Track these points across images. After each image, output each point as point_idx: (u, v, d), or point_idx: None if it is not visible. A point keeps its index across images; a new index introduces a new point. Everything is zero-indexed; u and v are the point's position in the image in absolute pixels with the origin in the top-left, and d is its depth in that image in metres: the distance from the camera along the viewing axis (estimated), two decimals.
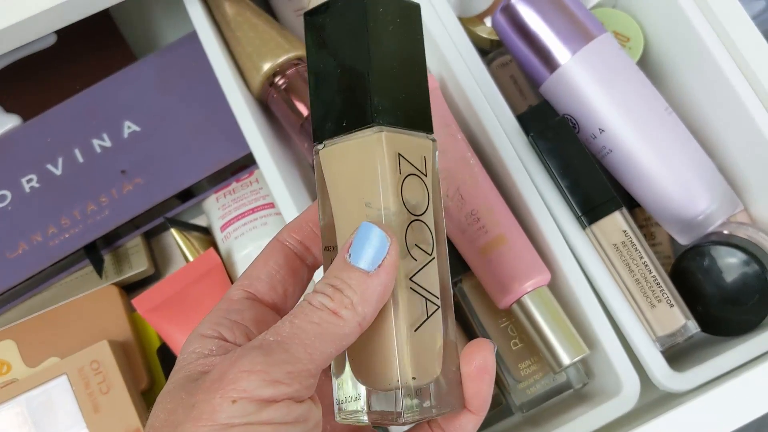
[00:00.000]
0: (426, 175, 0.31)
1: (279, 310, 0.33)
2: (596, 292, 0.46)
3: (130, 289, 0.56)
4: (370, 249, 0.28)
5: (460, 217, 0.46)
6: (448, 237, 0.44)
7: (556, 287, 0.47)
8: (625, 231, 0.46)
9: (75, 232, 0.53)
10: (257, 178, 0.55)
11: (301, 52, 0.52)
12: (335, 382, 0.31)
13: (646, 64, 0.53)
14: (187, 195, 0.55)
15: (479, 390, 0.31)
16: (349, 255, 0.29)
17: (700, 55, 0.48)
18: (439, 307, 0.31)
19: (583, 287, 0.46)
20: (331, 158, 0.31)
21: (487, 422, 0.50)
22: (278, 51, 0.52)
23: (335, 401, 0.31)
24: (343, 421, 0.30)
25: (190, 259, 0.54)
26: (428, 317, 0.30)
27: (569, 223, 0.46)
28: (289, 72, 0.52)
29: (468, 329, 0.49)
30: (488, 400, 0.32)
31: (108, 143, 0.55)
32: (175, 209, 0.55)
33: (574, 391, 0.48)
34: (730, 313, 0.46)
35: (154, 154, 0.54)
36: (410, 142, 0.31)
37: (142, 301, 0.51)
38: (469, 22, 0.55)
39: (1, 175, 0.55)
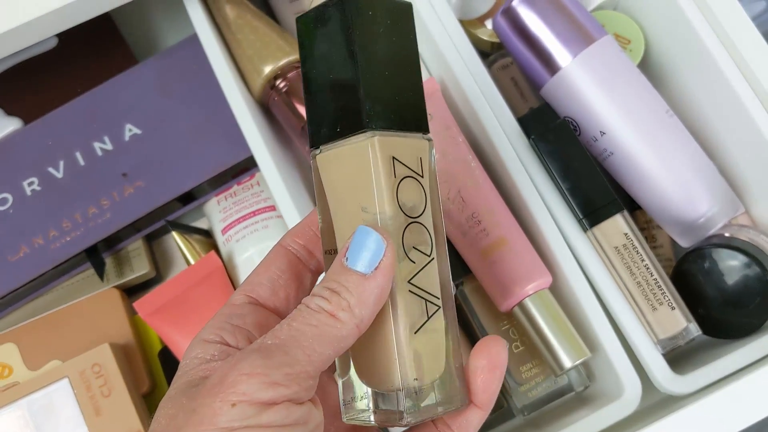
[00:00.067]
0: (422, 176, 0.31)
1: (281, 314, 0.33)
2: (597, 294, 0.46)
3: (132, 292, 0.56)
4: (367, 252, 0.29)
5: (461, 219, 0.46)
6: (449, 240, 0.45)
7: (557, 290, 0.47)
8: (626, 234, 0.46)
9: (76, 235, 0.53)
10: (258, 180, 0.55)
11: None
12: (340, 382, 0.31)
13: (647, 66, 0.53)
14: (188, 198, 0.55)
15: (489, 384, 0.31)
16: (346, 259, 0.29)
17: (701, 57, 0.48)
18: (440, 307, 0.31)
19: (584, 290, 0.46)
20: (328, 163, 0.32)
21: (489, 425, 0.50)
22: (279, 54, 0.52)
23: (341, 401, 0.31)
24: (350, 422, 0.31)
25: (192, 262, 0.54)
26: (429, 318, 0.30)
27: (570, 226, 0.46)
28: (290, 75, 0.52)
29: (469, 332, 0.49)
30: (496, 395, 0.32)
31: (109, 146, 0.55)
32: (176, 212, 0.55)
33: (576, 394, 0.48)
34: (731, 316, 0.46)
35: (155, 157, 0.54)
36: (404, 144, 0.31)
37: (143, 304, 0.51)
38: (470, 25, 0.55)
39: (2, 178, 0.55)
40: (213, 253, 0.53)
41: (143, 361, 0.52)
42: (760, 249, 0.46)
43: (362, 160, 0.30)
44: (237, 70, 0.53)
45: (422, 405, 0.30)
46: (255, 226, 0.53)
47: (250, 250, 0.52)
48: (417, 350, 0.30)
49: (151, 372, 0.53)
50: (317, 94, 0.32)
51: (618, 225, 0.46)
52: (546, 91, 0.49)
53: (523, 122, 0.48)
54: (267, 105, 0.54)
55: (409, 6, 0.33)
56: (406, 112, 0.32)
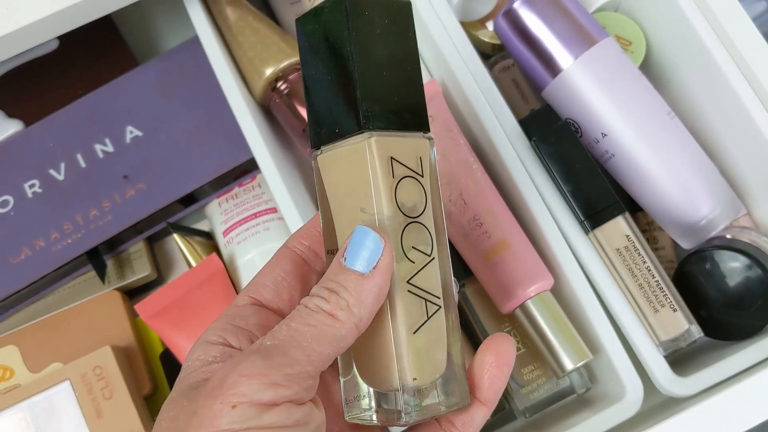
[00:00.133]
0: (422, 176, 0.31)
1: (285, 315, 0.33)
2: (599, 296, 0.46)
3: (133, 294, 0.56)
4: (365, 252, 0.29)
5: (463, 221, 0.46)
6: (450, 242, 0.45)
7: (559, 292, 0.47)
8: (627, 236, 0.46)
9: (77, 237, 0.53)
10: (260, 182, 0.55)
11: None
12: (342, 381, 0.31)
13: (648, 68, 0.53)
14: (189, 200, 0.55)
15: (495, 381, 0.32)
16: (345, 258, 0.29)
17: (702, 58, 0.48)
18: (440, 307, 0.31)
19: (586, 292, 0.46)
20: (328, 164, 0.32)
21: (490, 427, 0.50)
22: (280, 56, 0.52)
23: (343, 400, 0.31)
24: (352, 420, 0.31)
25: (193, 264, 0.54)
26: (429, 318, 0.30)
27: (572, 228, 0.46)
28: (291, 77, 0.52)
29: (471, 334, 0.49)
30: (501, 392, 0.32)
31: (110, 148, 0.55)
32: (177, 214, 0.55)
33: (577, 396, 0.48)
34: (733, 318, 0.46)
35: (157, 159, 0.54)
36: (403, 144, 0.31)
37: (144, 306, 0.51)
38: (471, 26, 0.55)
39: (3, 180, 0.55)
40: (214, 255, 0.53)
41: (144, 363, 0.52)
42: (761, 251, 0.46)
43: (360, 161, 0.30)
44: (238, 72, 0.53)
45: (423, 404, 0.30)
46: (256, 228, 0.53)
47: (251, 252, 0.52)
48: (416, 350, 0.30)
49: (153, 374, 0.53)
50: (317, 95, 0.32)
51: (620, 227, 0.46)
52: (547, 92, 0.49)
53: (525, 124, 0.48)
54: (268, 107, 0.54)
55: (408, 5, 0.32)
56: (406, 112, 0.32)
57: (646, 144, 0.46)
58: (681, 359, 0.49)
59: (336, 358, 0.32)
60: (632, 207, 0.50)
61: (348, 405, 0.31)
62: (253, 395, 0.25)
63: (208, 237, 0.56)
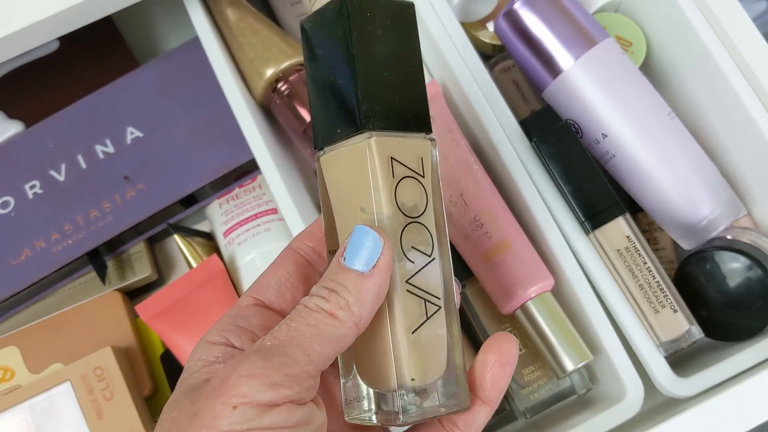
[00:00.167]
0: (423, 176, 0.31)
1: None
2: (600, 297, 0.46)
3: (134, 294, 0.56)
4: (364, 251, 0.29)
5: (464, 222, 0.46)
6: (450, 242, 0.45)
7: (559, 293, 0.47)
8: (628, 236, 0.46)
9: (78, 238, 0.53)
10: (260, 183, 0.55)
11: None
12: (342, 382, 0.31)
13: (648, 68, 0.53)
14: (190, 201, 0.55)
15: (498, 381, 0.31)
16: (344, 258, 0.29)
17: (703, 58, 0.48)
18: (440, 308, 0.31)
19: (586, 293, 0.46)
20: (330, 165, 0.32)
21: (491, 428, 0.50)
22: (281, 57, 0.52)
23: (343, 401, 0.31)
24: (352, 421, 0.31)
25: (194, 265, 0.54)
26: (428, 318, 0.30)
27: (572, 229, 0.46)
28: (291, 78, 0.52)
29: (471, 334, 0.49)
30: (503, 392, 0.32)
31: (111, 149, 0.55)
32: (178, 215, 0.55)
33: (578, 397, 0.48)
34: (733, 318, 0.46)
35: (157, 160, 0.54)
36: (404, 144, 0.31)
37: (145, 307, 0.51)
38: (471, 27, 0.55)
39: (4, 181, 0.55)
40: (215, 256, 0.53)
41: (145, 364, 0.52)
42: (762, 251, 0.46)
43: (360, 161, 0.30)
44: (238, 73, 0.53)
45: (422, 405, 0.30)
46: (257, 229, 0.53)
47: (252, 253, 0.52)
48: (415, 350, 0.30)
49: (153, 375, 0.53)
50: (320, 97, 0.32)
51: (620, 227, 0.46)
52: (548, 93, 0.49)
53: (525, 125, 0.48)
54: (268, 108, 0.54)
55: (412, 7, 0.33)
56: (407, 113, 0.32)
57: (647, 144, 0.46)
58: (681, 360, 0.49)
59: (337, 359, 0.32)
60: (633, 208, 0.50)
61: (348, 406, 0.31)
62: (253, 396, 0.25)
63: (209, 238, 0.56)
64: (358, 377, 0.30)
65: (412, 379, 0.29)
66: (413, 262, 0.30)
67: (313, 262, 0.34)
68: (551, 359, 0.44)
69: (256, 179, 0.56)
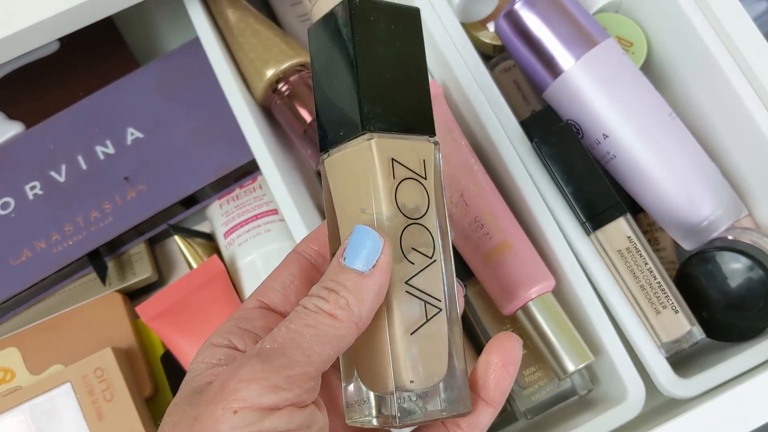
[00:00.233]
0: (426, 178, 0.31)
1: None
2: (601, 298, 0.46)
3: (134, 295, 0.56)
4: (364, 250, 0.29)
5: (464, 223, 0.46)
6: (452, 243, 0.45)
7: (560, 294, 0.47)
8: (629, 237, 0.46)
9: (78, 239, 0.53)
10: (260, 184, 0.55)
11: (304, 58, 0.52)
12: (344, 385, 0.31)
13: (649, 68, 0.53)
14: (190, 201, 0.55)
15: (501, 382, 0.31)
16: (344, 258, 0.29)
17: (703, 58, 0.48)
18: (441, 310, 0.31)
19: (587, 293, 0.46)
20: (334, 167, 0.32)
21: (492, 428, 0.50)
22: (281, 57, 0.52)
23: (344, 403, 0.31)
24: (354, 424, 0.31)
25: (194, 265, 0.54)
26: (428, 320, 0.30)
27: (573, 229, 0.46)
28: (292, 78, 0.52)
29: (472, 335, 0.49)
30: (507, 393, 0.32)
31: (111, 150, 0.55)
32: (178, 216, 0.55)
33: (579, 398, 0.48)
34: (735, 319, 0.46)
35: (158, 161, 0.54)
36: (406, 146, 0.31)
37: (145, 308, 0.51)
38: (472, 28, 0.55)
39: (4, 182, 0.55)
40: (215, 256, 0.53)
41: (146, 365, 0.52)
42: (763, 252, 0.46)
43: (362, 162, 0.30)
44: (239, 74, 0.53)
45: (422, 408, 0.30)
46: (257, 230, 0.53)
47: (252, 253, 0.52)
48: (414, 352, 0.30)
49: (154, 376, 0.53)
50: (325, 100, 0.32)
51: (621, 228, 0.46)
52: (548, 94, 0.49)
53: (526, 125, 0.48)
54: (269, 108, 0.54)
55: (417, 12, 0.33)
56: (410, 115, 0.32)
57: (648, 145, 0.46)
58: (683, 361, 0.49)
59: (338, 362, 0.32)
60: (634, 208, 0.50)
61: (349, 409, 0.31)
62: (254, 400, 0.25)
63: (209, 238, 0.56)
64: (359, 380, 0.30)
65: (411, 381, 0.29)
66: (413, 263, 0.30)
67: (318, 266, 0.34)
68: (552, 360, 0.44)
69: (256, 180, 0.56)
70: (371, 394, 0.30)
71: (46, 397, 0.49)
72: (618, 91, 0.47)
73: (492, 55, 0.56)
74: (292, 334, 0.27)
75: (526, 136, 0.48)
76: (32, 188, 0.54)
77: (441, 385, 0.30)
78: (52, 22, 0.47)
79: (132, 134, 0.55)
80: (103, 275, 0.53)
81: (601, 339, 0.45)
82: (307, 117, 0.51)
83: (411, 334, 0.30)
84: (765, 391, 0.41)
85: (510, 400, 0.48)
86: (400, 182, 0.30)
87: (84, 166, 0.55)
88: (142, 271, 0.55)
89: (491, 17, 0.55)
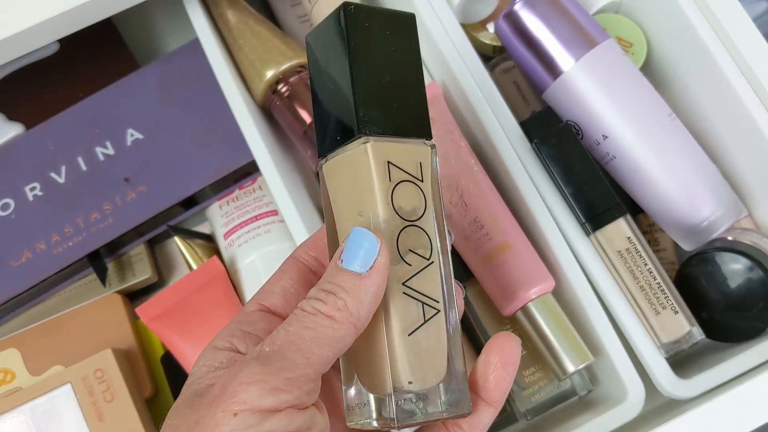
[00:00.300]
0: (422, 181, 0.32)
1: None
2: (601, 299, 0.46)
3: (134, 296, 0.56)
4: (361, 251, 0.29)
5: (464, 224, 0.46)
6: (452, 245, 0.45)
7: (560, 294, 0.47)
8: (629, 238, 0.46)
9: (78, 240, 0.53)
10: (260, 185, 0.55)
11: (304, 59, 0.52)
12: (344, 388, 0.31)
13: (649, 69, 0.53)
14: (190, 202, 0.55)
15: (501, 381, 0.31)
16: (342, 260, 0.29)
17: (703, 59, 0.48)
18: (439, 311, 0.31)
19: (587, 294, 0.46)
20: (331, 171, 0.32)
21: (492, 429, 0.50)
22: (281, 58, 0.52)
23: (345, 406, 0.31)
24: (355, 427, 0.31)
25: (194, 266, 0.54)
26: (425, 321, 0.30)
27: (573, 230, 0.46)
28: (291, 79, 0.52)
29: (472, 336, 0.49)
30: (507, 393, 0.32)
31: (111, 151, 0.55)
32: (178, 217, 0.55)
33: (579, 398, 0.48)
34: (734, 320, 0.46)
35: (157, 162, 0.54)
36: (402, 149, 0.31)
37: (145, 309, 0.51)
38: (471, 28, 0.55)
39: (4, 183, 0.55)
40: (215, 258, 0.53)
41: (146, 366, 0.52)
42: (763, 252, 0.46)
43: (358, 166, 0.31)
44: (239, 75, 0.53)
45: (421, 410, 0.30)
46: (257, 231, 0.53)
47: (252, 254, 0.52)
48: (412, 353, 0.30)
49: (154, 377, 0.53)
50: (323, 106, 0.33)
51: (621, 229, 0.46)
52: (548, 94, 0.49)
53: (526, 126, 0.48)
54: (269, 109, 0.54)
55: (412, 17, 0.33)
56: (406, 119, 0.32)
57: (647, 146, 0.46)
58: (682, 361, 0.49)
59: (338, 364, 0.32)
60: (633, 209, 0.50)
61: (350, 411, 0.31)
62: (253, 402, 0.25)
63: (209, 240, 0.56)
64: (359, 383, 0.30)
65: (410, 383, 0.29)
66: (410, 265, 0.30)
67: (316, 271, 0.34)
68: (552, 361, 0.44)
69: (256, 181, 0.56)
70: (371, 397, 0.30)
71: (46, 398, 0.49)
72: (618, 92, 0.47)
73: (492, 56, 0.56)
74: (291, 337, 0.27)
75: (526, 136, 0.48)
76: (32, 189, 0.54)
77: (441, 386, 0.30)
78: (52, 23, 0.47)
79: (132, 135, 0.55)
80: (103, 276, 0.53)
81: (601, 339, 0.45)
82: (307, 118, 0.51)
83: (408, 335, 0.30)
84: (765, 391, 0.41)
85: (510, 400, 0.48)
86: (396, 185, 0.31)
87: (84, 167, 0.55)
88: (142, 272, 0.55)
89: (491, 18, 0.55)
